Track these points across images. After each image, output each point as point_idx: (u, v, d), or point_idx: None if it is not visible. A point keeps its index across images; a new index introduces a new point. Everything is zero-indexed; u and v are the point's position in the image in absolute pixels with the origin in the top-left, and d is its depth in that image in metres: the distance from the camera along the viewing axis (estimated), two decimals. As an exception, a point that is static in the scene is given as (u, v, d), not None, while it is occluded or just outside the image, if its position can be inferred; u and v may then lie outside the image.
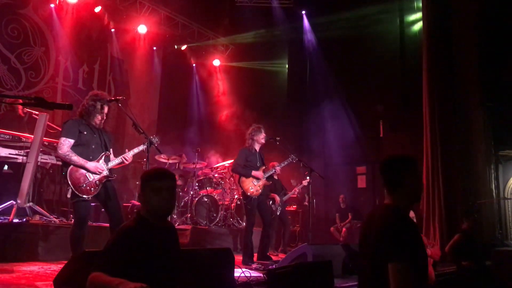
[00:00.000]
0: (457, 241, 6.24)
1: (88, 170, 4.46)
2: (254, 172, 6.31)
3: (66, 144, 4.41)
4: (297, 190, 9.47)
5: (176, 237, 2.72)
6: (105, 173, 4.60)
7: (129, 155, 4.82)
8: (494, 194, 8.16)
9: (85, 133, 4.55)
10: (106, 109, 4.69)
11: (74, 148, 4.45)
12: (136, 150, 4.94)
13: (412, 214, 5.01)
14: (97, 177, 4.52)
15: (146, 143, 4.87)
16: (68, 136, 4.45)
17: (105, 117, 4.71)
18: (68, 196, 4.44)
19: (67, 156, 4.38)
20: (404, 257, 2.23)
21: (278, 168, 6.63)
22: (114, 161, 4.72)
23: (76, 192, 4.37)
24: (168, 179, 2.53)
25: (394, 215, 2.42)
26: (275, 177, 7.44)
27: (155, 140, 4.98)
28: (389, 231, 2.34)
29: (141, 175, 2.63)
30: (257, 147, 6.50)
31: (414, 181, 2.54)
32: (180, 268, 2.63)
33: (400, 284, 2.20)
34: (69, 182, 4.37)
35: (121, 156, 4.77)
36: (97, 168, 4.52)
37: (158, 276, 2.40)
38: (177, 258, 2.65)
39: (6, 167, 6.67)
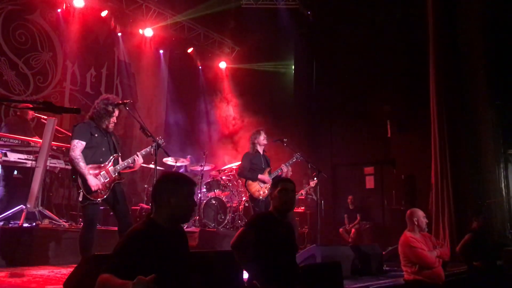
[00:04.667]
0: (467, 241, 6.20)
1: (86, 183, 4.37)
2: (260, 176, 6.31)
3: (78, 147, 4.42)
4: (304, 192, 9.45)
5: (185, 240, 2.73)
6: (114, 176, 4.61)
7: (140, 159, 4.80)
8: (503, 193, 8.09)
9: (96, 135, 4.57)
10: (117, 112, 4.70)
11: (84, 150, 4.45)
12: (143, 152, 4.94)
13: (422, 213, 4.98)
14: (106, 179, 4.54)
15: (153, 145, 4.86)
16: (80, 138, 4.46)
17: (115, 120, 4.73)
18: (80, 199, 4.43)
19: (76, 160, 4.38)
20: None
21: (284, 168, 6.58)
22: (123, 164, 4.73)
23: (87, 195, 4.39)
24: (195, 186, 2.71)
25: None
26: (283, 175, 7.27)
27: (160, 141, 4.97)
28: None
29: (168, 178, 2.65)
30: (260, 149, 6.54)
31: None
32: (189, 270, 2.63)
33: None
34: (80, 186, 4.39)
35: (132, 156, 4.77)
36: (96, 186, 4.41)
37: (168, 279, 2.40)
38: (187, 261, 2.65)
39: (15, 172, 6.70)
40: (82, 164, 4.39)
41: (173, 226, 2.58)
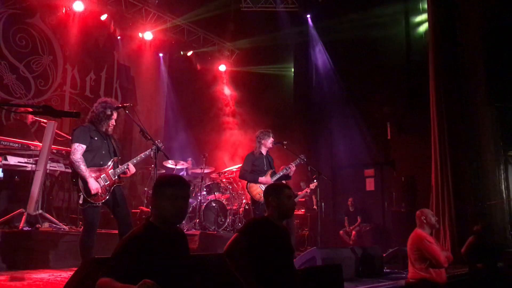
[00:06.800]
0: (472, 243, 6.20)
1: (86, 185, 4.38)
2: (261, 179, 6.27)
3: (79, 150, 4.43)
4: (303, 193, 9.45)
5: (186, 243, 2.72)
6: (114, 178, 4.62)
7: (131, 168, 4.80)
8: (504, 195, 8.08)
9: (96, 138, 4.58)
10: (115, 116, 4.71)
11: (84, 153, 4.46)
12: (143, 156, 4.95)
13: (430, 211, 5.07)
14: (107, 182, 4.54)
15: (153, 148, 4.86)
16: (80, 141, 4.46)
17: (114, 123, 4.73)
18: (80, 202, 4.43)
19: (76, 163, 4.39)
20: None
21: (292, 166, 6.37)
22: (122, 168, 4.73)
23: (87, 198, 4.39)
24: (184, 188, 2.55)
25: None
26: (290, 174, 7.07)
27: (160, 144, 4.95)
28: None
29: (156, 181, 2.65)
30: (263, 151, 6.47)
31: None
32: (189, 274, 2.63)
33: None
34: (80, 188, 4.39)
35: (126, 163, 4.78)
36: (97, 189, 4.42)
37: (168, 282, 2.39)
38: (187, 264, 2.64)
39: (16, 177, 6.71)
40: (83, 167, 4.40)
41: (168, 229, 2.56)
